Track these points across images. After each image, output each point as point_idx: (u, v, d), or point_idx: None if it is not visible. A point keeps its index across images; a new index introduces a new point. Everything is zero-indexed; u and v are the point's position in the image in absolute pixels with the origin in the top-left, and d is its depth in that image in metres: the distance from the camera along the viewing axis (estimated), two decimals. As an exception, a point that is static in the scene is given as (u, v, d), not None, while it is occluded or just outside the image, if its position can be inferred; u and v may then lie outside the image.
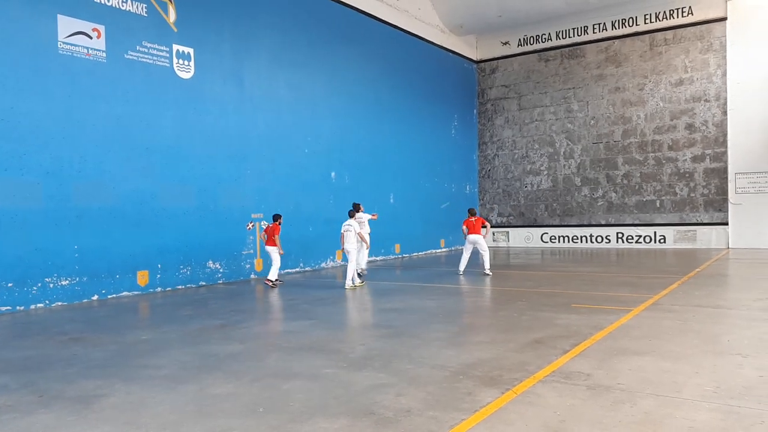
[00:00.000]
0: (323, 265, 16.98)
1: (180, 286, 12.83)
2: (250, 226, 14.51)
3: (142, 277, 12.11)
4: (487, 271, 14.02)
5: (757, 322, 7.72)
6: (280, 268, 13.31)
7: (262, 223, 14.78)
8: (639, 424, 4.16)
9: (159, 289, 12.42)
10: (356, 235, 12.28)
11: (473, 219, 14.47)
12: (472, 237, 14.28)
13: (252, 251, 14.60)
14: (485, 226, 14.53)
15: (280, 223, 12.82)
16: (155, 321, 9.23)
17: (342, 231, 12.39)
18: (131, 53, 12.00)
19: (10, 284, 10.02)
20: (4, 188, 9.99)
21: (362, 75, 18.71)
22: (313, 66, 16.77)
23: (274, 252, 12.71)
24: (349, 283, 12.06)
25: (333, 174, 17.41)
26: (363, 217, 14.20)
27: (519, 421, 4.28)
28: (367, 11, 18.80)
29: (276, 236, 12.61)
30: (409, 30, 20.98)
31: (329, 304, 10.37)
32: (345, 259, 12.88)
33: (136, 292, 11.96)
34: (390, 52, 20.05)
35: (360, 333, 7.62)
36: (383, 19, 19.61)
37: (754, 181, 20.34)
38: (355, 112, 18.36)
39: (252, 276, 14.58)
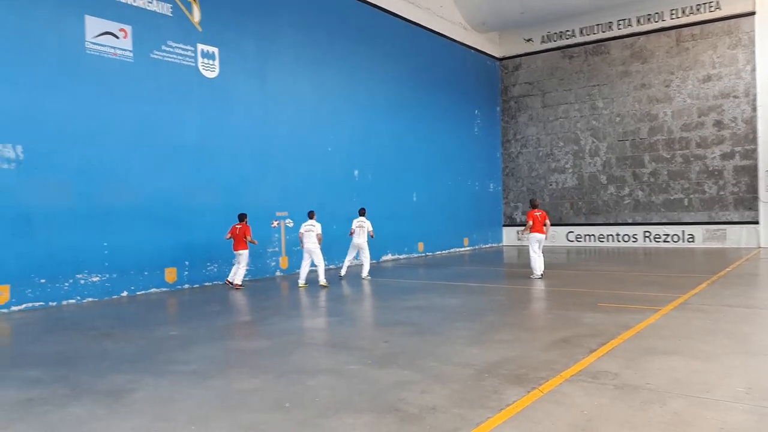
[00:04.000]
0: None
1: (207, 283, 12.98)
2: (275, 224, 14.62)
3: (170, 274, 12.28)
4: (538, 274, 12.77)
5: (789, 323, 7.55)
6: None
7: (287, 222, 14.88)
8: (668, 425, 4.11)
9: (186, 285, 12.58)
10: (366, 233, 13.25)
11: (538, 213, 12.62)
12: (538, 236, 12.53)
13: (277, 249, 14.71)
14: (546, 224, 12.70)
15: (247, 222, 12.18)
16: (183, 317, 9.36)
17: (355, 227, 13.39)
18: (157, 53, 12.17)
19: (42, 280, 10.24)
20: (35, 186, 10.21)
21: (384, 73, 18.72)
22: (335, 64, 16.82)
23: (244, 255, 12.13)
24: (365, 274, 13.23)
25: (356, 172, 17.45)
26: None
27: (546, 420, 4.25)
28: (388, 9, 18.79)
29: (248, 237, 11.95)
30: (430, 27, 20.92)
31: (353, 301, 10.41)
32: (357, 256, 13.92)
33: (164, 289, 12.14)
34: (412, 50, 20.02)
35: (383, 330, 7.63)
36: (405, 16, 19.58)
37: (786, 178, 19.87)
38: (377, 110, 18.37)
39: (277, 273, 14.69)
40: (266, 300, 10.87)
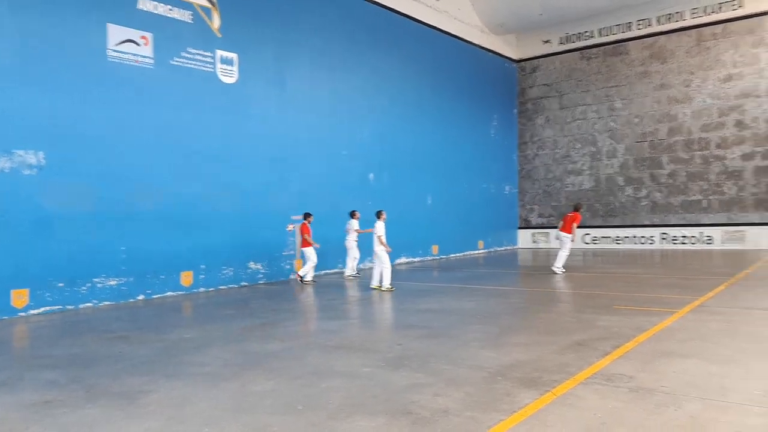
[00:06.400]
0: (361, 266, 17.03)
1: (222, 287, 13.08)
2: (290, 227, 14.70)
3: (186, 278, 12.40)
4: (556, 270, 14.13)
5: (811, 326, 7.41)
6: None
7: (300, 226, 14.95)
8: (683, 428, 4.06)
9: (202, 289, 12.69)
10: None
11: (570, 214, 14.27)
12: (557, 233, 14.30)
13: (292, 252, 14.79)
14: (573, 226, 14.19)
15: (309, 222, 13.25)
16: (198, 320, 9.44)
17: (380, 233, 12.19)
18: (177, 59, 12.31)
19: (60, 284, 10.39)
20: (56, 191, 10.36)
21: (401, 76, 18.74)
22: (353, 69, 16.88)
23: (309, 252, 13.24)
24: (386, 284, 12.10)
25: (371, 176, 17.48)
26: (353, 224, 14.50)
27: (558, 423, 4.22)
28: (406, 13, 18.83)
29: (306, 235, 13.04)
30: (448, 30, 20.92)
31: (367, 304, 10.42)
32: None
33: (180, 292, 12.26)
34: (429, 53, 20.02)
35: (397, 333, 7.63)
36: (422, 20, 19.60)
37: (809, 179, 19.52)
38: (394, 114, 18.40)
39: (291, 276, 14.76)
40: (280, 302, 10.92)
